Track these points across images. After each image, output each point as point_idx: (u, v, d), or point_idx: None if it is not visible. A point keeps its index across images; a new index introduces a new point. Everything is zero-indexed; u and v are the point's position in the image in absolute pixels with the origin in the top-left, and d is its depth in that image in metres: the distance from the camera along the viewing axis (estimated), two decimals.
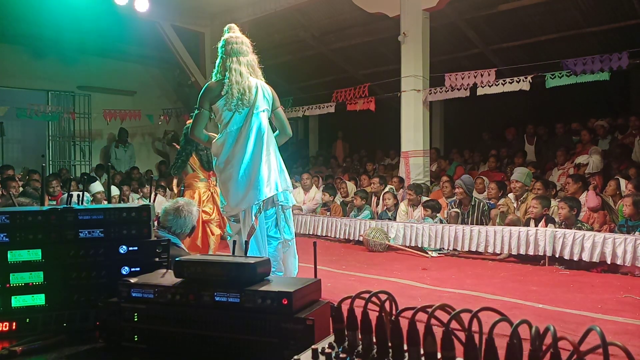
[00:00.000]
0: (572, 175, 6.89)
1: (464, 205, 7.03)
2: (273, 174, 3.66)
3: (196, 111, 3.70)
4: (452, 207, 7.17)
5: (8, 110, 10.30)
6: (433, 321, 1.03)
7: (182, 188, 5.98)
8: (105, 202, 7.35)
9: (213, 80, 3.71)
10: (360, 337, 1.17)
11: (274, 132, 3.86)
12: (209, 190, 5.89)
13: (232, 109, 3.60)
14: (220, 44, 3.74)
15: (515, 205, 6.76)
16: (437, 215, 7.11)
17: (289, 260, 3.84)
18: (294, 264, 3.87)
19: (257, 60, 3.82)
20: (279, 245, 3.75)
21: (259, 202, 3.59)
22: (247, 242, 3.41)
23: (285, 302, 1.39)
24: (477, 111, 11.16)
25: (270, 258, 3.52)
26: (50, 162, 11.34)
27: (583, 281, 5.05)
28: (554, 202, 6.36)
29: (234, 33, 3.77)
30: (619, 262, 5.21)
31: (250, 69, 3.73)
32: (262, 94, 3.72)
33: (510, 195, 6.90)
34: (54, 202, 7.09)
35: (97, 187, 7.86)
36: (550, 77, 7.35)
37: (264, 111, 3.71)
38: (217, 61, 3.73)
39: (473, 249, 6.27)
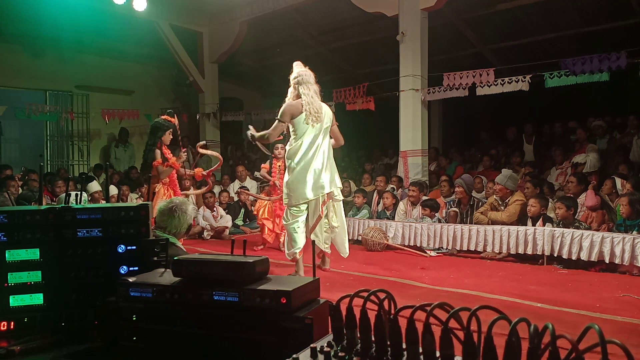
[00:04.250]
0: (576, 174, 6.85)
1: (463, 204, 7.02)
2: (331, 175, 5.01)
3: (276, 122, 4.88)
4: (451, 207, 7.17)
5: (6, 110, 10.27)
6: (432, 320, 1.03)
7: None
8: (103, 202, 7.34)
9: (288, 101, 4.92)
10: (359, 335, 1.17)
11: None
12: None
13: (309, 123, 4.83)
14: (292, 76, 4.97)
15: (502, 207, 6.69)
16: (436, 214, 7.11)
17: (338, 239, 5.25)
18: (344, 243, 5.29)
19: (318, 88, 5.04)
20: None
21: (323, 195, 4.95)
22: (313, 227, 5.03)
23: (284, 301, 1.39)
24: (475, 110, 11.17)
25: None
26: (49, 162, 11.31)
27: (581, 280, 5.06)
28: (550, 202, 6.35)
29: (302, 69, 5.02)
30: (617, 261, 5.21)
31: (316, 95, 4.94)
32: (326, 113, 4.98)
33: (496, 197, 6.82)
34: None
35: (94, 186, 7.85)
36: (549, 77, 7.35)
37: (327, 127, 4.99)
38: (290, 89, 4.98)
39: (472, 248, 6.28)
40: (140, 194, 9.39)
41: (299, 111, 4.81)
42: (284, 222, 5.17)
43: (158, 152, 5.64)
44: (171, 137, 5.78)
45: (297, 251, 5.04)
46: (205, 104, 11.66)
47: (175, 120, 5.89)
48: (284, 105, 4.91)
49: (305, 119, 4.81)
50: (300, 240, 5.05)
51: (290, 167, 4.94)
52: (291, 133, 5.00)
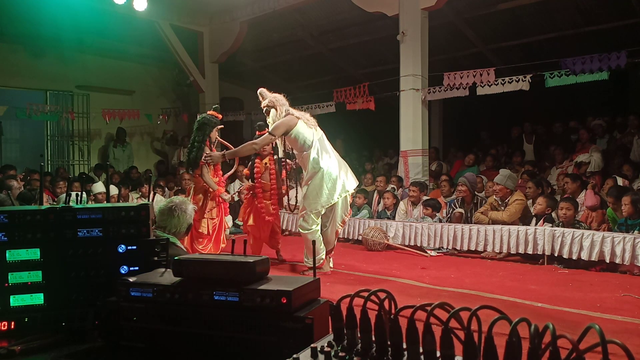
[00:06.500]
0: (570, 175, 6.85)
1: (467, 203, 6.98)
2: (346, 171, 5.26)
3: (267, 135, 5.02)
4: (455, 207, 7.12)
5: (7, 110, 10.27)
6: (432, 320, 1.03)
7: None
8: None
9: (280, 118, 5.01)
10: (359, 335, 1.17)
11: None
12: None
13: (311, 127, 5.07)
14: (268, 100, 5.07)
15: (502, 207, 6.67)
16: (437, 214, 7.09)
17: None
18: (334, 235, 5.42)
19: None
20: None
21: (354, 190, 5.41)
22: (342, 223, 5.39)
23: (285, 301, 1.39)
24: (475, 110, 11.16)
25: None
26: (49, 162, 11.31)
27: (582, 280, 5.05)
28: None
29: (273, 94, 5.13)
30: (617, 260, 5.21)
31: None
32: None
33: (496, 197, 6.80)
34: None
35: (99, 187, 7.86)
36: (550, 77, 7.35)
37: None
38: (272, 112, 5.05)
39: (472, 248, 6.27)
40: (140, 193, 9.39)
41: (294, 123, 4.98)
42: (308, 230, 5.08)
43: (207, 149, 5.29)
44: (217, 134, 5.46)
45: (324, 257, 5.26)
46: (206, 104, 11.63)
47: (220, 116, 5.56)
48: (277, 122, 4.98)
49: (306, 124, 5.05)
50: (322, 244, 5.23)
51: (314, 169, 5.02)
52: (297, 148, 5.12)
